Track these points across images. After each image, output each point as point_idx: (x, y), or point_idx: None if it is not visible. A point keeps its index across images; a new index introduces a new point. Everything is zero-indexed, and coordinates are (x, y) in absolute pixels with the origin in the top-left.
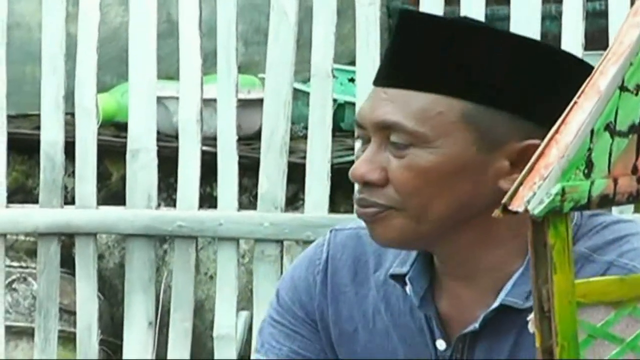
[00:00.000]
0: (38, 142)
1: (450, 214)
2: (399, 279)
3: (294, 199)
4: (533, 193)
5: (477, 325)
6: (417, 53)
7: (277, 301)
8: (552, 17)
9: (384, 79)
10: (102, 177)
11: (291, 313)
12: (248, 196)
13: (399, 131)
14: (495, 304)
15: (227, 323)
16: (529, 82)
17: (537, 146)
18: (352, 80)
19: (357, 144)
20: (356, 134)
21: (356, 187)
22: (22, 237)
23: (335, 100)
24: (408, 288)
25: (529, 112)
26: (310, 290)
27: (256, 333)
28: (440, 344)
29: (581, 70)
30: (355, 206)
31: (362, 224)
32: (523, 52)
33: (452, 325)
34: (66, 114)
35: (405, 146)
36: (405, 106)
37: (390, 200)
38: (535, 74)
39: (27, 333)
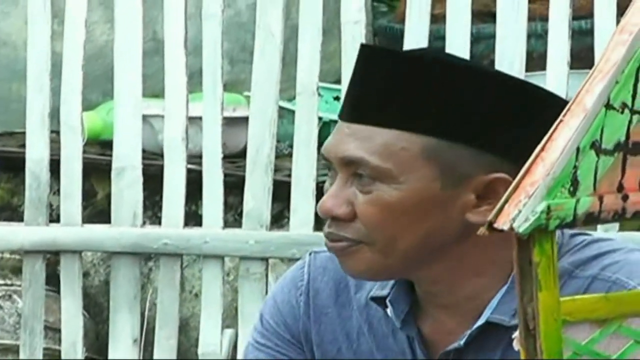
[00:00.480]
0: (23, 160)
1: (417, 247)
2: (380, 301)
3: (280, 217)
4: (519, 211)
5: (461, 342)
6: (378, 88)
7: (262, 324)
8: (537, 35)
9: (347, 114)
10: (88, 195)
11: (276, 335)
12: (233, 214)
13: (364, 167)
14: (481, 321)
15: (212, 341)
16: (491, 115)
17: (503, 179)
18: (337, 98)
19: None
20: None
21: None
22: (7, 255)
23: (320, 119)
24: (389, 310)
25: (493, 145)
26: (294, 312)
27: (241, 354)
28: None
29: (544, 101)
30: (324, 240)
31: None
32: (483, 85)
33: (435, 346)
34: (52, 131)
35: (371, 181)
36: (368, 142)
37: (358, 235)
38: (497, 107)
39: (12, 350)
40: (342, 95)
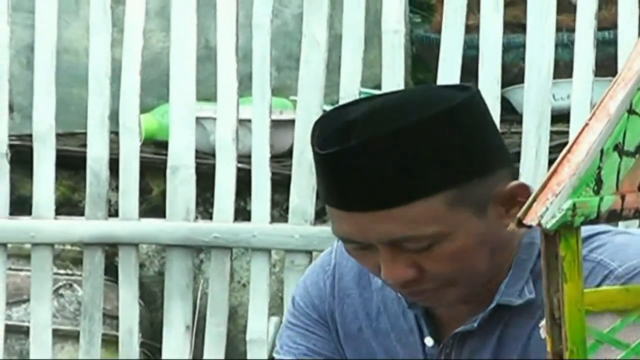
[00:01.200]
0: (84, 158)
1: (487, 267)
2: None
3: (322, 213)
4: (546, 208)
5: (475, 324)
6: (376, 177)
7: (293, 306)
8: (564, 45)
9: (356, 205)
10: (144, 191)
11: (306, 315)
12: (279, 210)
13: (415, 241)
14: (493, 305)
15: (259, 328)
16: (471, 144)
17: (515, 185)
18: None
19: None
20: (342, 241)
21: (393, 286)
22: (68, 247)
23: None
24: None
25: (490, 165)
26: (321, 294)
27: (278, 335)
28: (428, 341)
29: (479, 102)
30: (403, 296)
31: None
32: (450, 121)
33: (443, 325)
34: (111, 132)
35: (427, 245)
36: (402, 221)
37: (438, 282)
38: (469, 133)
39: (73, 336)
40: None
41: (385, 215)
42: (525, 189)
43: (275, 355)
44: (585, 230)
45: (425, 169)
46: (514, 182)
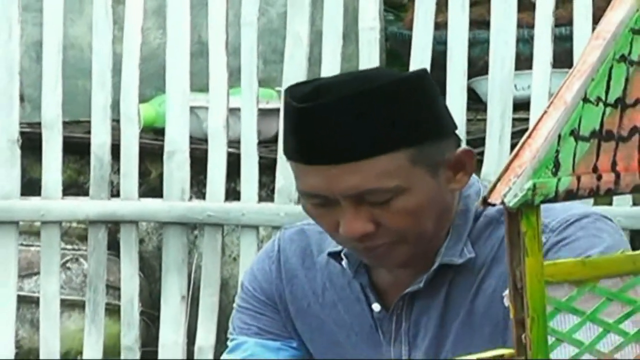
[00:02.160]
0: (89, 144)
1: (435, 228)
2: (336, 256)
3: None
4: (509, 188)
5: (421, 284)
6: (345, 131)
7: (242, 291)
8: (525, 40)
9: (323, 158)
10: (143, 174)
11: (254, 298)
12: (266, 190)
13: (377, 194)
14: (436, 265)
15: None
16: (430, 109)
17: (463, 150)
18: None
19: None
20: (306, 199)
21: (348, 242)
22: (74, 225)
23: None
24: (344, 262)
25: (444, 130)
26: (268, 277)
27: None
28: (376, 307)
29: (427, 78)
30: (357, 254)
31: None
32: (409, 90)
33: (387, 291)
34: (112, 120)
35: (387, 199)
36: (368, 174)
37: (392, 237)
38: (428, 99)
39: (79, 306)
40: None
41: (352, 168)
42: (470, 155)
43: (229, 336)
44: None
45: (391, 126)
46: (462, 148)
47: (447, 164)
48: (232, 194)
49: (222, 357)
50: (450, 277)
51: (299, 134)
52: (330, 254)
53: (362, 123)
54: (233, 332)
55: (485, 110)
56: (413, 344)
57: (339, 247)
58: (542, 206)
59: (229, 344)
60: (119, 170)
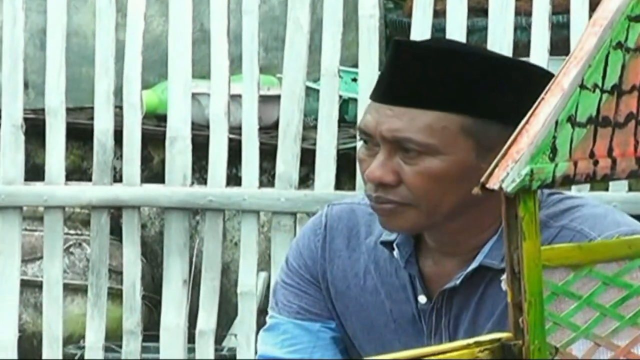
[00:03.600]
0: (92, 130)
1: (454, 208)
2: (388, 245)
3: (306, 179)
4: (507, 173)
5: (457, 282)
6: (418, 76)
7: (287, 266)
8: (522, 28)
9: (387, 97)
10: (145, 159)
11: (299, 275)
12: (267, 176)
13: (411, 141)
14: (474, 265)
15: (248, 282)
16: (509, 94)
17: None
18: (355, 80)
19: (359, 142)
20: (359, 137)
21: (368, 185)
22: (77, 210)
23: (340, 97)
24: (395, 252)
25: (512, 119)
26: (313, 255)
27: (271, 291)
28: (422, 299)
29: (546, 78)
30: (370, 202)
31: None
32: (504, 69)
33: (432, 285)
34: (116, 107)
35: (417, 154)
36: (412, 122)
37: (405, 198)
38: (514, 86)
39: (82, 290)
40: (359, 77)
41: (404, 112)
42: None
43: (270, 311)
44: (566, 202)
45: (457, 88)
46: None
47: (497, 153)
48: (233, 179)
49: (260, 334)
50: (488, 279)
51: (384, 71)
52: (383, 243)
53: (433, 76)
54: (275, 307)
55: None
56: (454, 337)
57: (392, 236)
58: (593, 214)
59: (268, 320)
60: (121, 156)
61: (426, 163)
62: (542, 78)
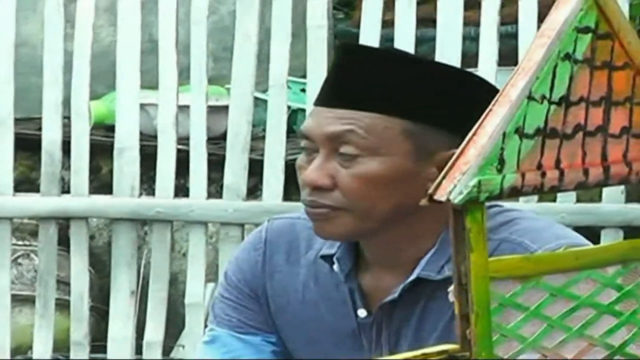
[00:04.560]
0: (40, 140)
1: (389, 214)
2: (328, 259)
3: (254, 190)
4: (454, 185)
5: (396, 295)
6: (360, 79)
7: (226, 281)
8: (471, 38)
9: (329, 100)
10: (94, 170)
11: (238, 290)
12: (215, 187)
13: (350, 142)
14: (412, 277)
15: (196, 293)
16: (452, 102)
17: None
18: (303, 90)
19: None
20: (302, 144)
21: (304, 190)
22: (26, 221)
23: (289, 107)
24: (335, 266)
25: (454, 127)
26: (253, 270)
27: (210, 306)
28: (362, 312)
29: (490, 91)
30: (305, 208)
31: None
32: (446, 77)
33: (372, 299)
34: (64, 117)
35: (354, 156)
36: (354, 122)
37: (338, 202)
38: (457, 95)
39: (30, 300)
40: (308, 88)
41: (345, 115)
42: None
43: (209, 324)
44: (505, 214)
45: (400, 92)
46: (457, 150)
47: (436, 160)
48: (182, 190)
49: (200, 347)
50: (428, 291)
51: (327, 76)
52: (323, 257)
53: (376, 79)
54: (213, 321)
55: None
56: (394, 351)
57: (332, 250)
58: (533, 226)
59: (208, 333)
60: (69, 166)
61: (362, 166)
62: (485, 89)
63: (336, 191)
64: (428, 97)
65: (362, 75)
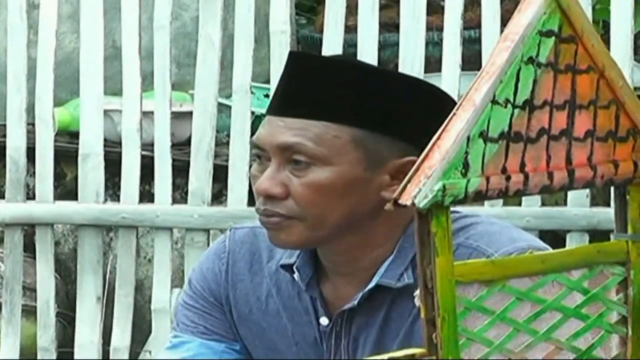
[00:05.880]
0: (4, 147)
1: (342, 221)
2: (288, 268)
3: (219, 195)
4: (419, 189)
5: (355, 302)
6: (309, 88)
7: (190, 289)
8: (434, 43)
9: (279, 109)
10: (58, 176)
11: (203, 298)
12: (180, 192)
13: (301, 152)
14: (371, 285)
15: (162, 298)
16: (403, 110)
17: (414, 162)
18: (267, 96)
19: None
20: (253, 152)
21: (258, 199)
22: None
23: (253, 113)
24: (296, 275)
25: (406, 134)
26: (216, 278)
27: (173, 312)
28: (324, 320)
29: (439, 96)
30: (259, 217)
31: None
32: (396, 86)
33: (333, 306)
34: (28, 124)
35: (306, 165)
36: (304, 132)
37: (291, 211)
38: (407, 103)
39: None
40: (272, 94)
41: (296, 124)
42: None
43: (172, 331)
44: (461, 221)
45: (349, 100)
46: (410, 158)
47: (388, 167)
48: (146, 196)
49: (163, 353)
50: (390, 297)
51: (278, 85)
52: (283, 266)
53: (325, 87)
54: (177, 327)
55: None
56: (353, 359)
57: (291, 260)
58: (488, 231)
59: (172, 339)
60: (34, 173)
61: (314, 174)
62: (437, 96)
63: (289, 200)
64: (377, 105)
65: (311, 84)
